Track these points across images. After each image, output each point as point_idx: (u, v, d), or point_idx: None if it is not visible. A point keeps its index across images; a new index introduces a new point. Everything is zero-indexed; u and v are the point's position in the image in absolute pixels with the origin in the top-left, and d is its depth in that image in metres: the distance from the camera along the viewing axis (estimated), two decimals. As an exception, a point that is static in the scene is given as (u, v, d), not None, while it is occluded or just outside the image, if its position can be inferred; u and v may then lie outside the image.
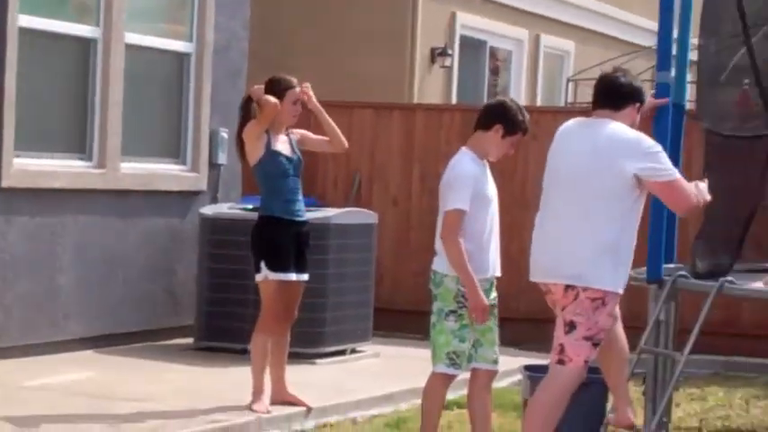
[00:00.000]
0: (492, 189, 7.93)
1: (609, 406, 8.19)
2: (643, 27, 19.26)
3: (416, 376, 10.87)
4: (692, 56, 9.36)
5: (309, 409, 9.47)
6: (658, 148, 7.35)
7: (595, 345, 7.29)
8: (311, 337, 11.48)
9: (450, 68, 16.48)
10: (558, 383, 7.37)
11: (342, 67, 15.69)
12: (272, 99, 9.18)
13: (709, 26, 9.23)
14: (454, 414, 9.76)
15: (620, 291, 7.29)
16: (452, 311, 7.78)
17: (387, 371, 11.30)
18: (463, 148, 7.96)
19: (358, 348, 12.04)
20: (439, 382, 7.97)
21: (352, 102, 14.66)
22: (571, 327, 7.21)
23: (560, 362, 7.35)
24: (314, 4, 15.87)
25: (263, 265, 9.31)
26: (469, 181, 7.76)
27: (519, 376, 9.44)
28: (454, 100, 16.54)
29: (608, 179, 7.20)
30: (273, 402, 9.36)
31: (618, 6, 20.00)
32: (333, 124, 9.59)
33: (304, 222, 9.60)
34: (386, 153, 14.39)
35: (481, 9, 16.99)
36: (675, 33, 8.85)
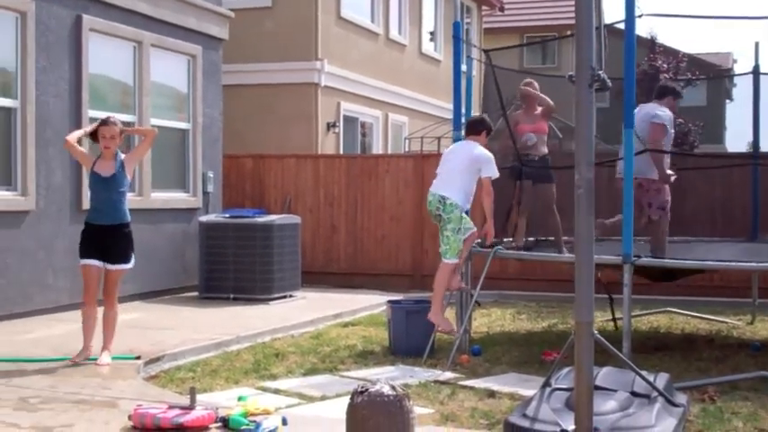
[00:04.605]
0: None
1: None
2: (445, 108, 19.49)
3: (327, 309, 10.99)
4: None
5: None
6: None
7: None
8: (266, 287, 11.50)
9: (338, 134, 16.53)
10: None
11: (278, 136, 15.67)
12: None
13: (486, 105, 9.44)
14: (349, 329, 9.79)
15: None
16: (459, 228, 7.77)
17: (310, 307, 11.28)
18: (471, 141, 7.98)
19: (293, 294, 12.02)
20: (449, 267, 7.86)
21: (283, 154, 14.67)
22: None
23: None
24: (258, 98, 15.81)
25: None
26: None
27: (383, 307, 9.47)
28: (341, 152, 16.59)
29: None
30: None
31: (427, 95, 20.12)
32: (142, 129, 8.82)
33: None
34: (304, 182, 14.33)
35: (355, 99, 17.09)
36: (463, 110, 8.97)
